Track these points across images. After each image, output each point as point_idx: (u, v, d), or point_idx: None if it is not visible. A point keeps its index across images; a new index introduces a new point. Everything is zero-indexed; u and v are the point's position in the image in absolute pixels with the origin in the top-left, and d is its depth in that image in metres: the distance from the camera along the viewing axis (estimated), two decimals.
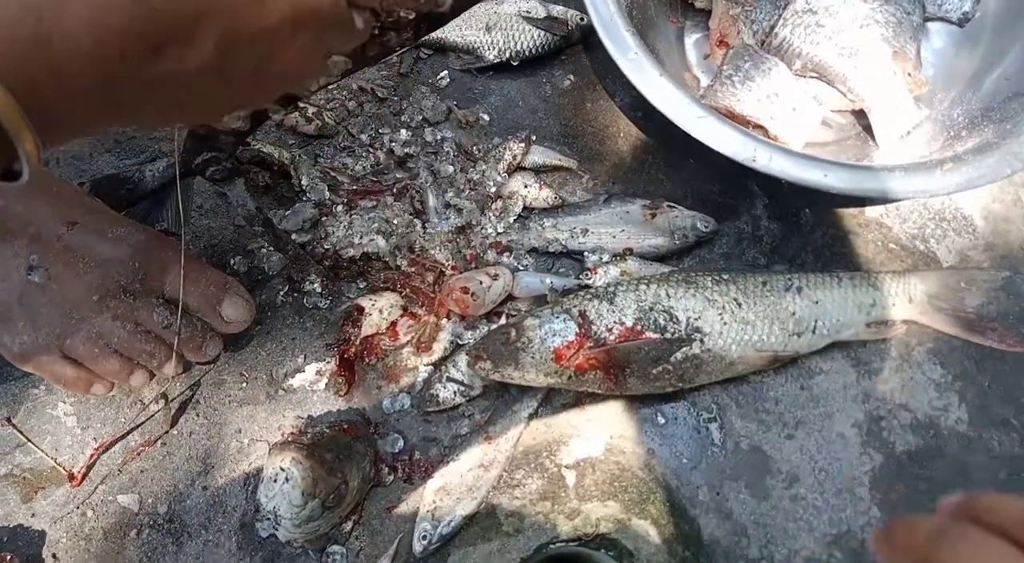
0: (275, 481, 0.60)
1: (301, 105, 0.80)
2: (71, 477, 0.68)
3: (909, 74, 0.82)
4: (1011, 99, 0.75)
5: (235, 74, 0.41)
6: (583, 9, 0.75)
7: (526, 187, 0.80)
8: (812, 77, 0.82)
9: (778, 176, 0.67)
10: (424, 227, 0.76)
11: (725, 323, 0.68)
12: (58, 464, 0.69)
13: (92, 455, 0.69)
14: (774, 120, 0.77)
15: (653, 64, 0.69)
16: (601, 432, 0.71)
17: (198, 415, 0.71)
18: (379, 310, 0.71)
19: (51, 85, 0.34)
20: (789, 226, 0.80)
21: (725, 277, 0.71)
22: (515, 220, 0.78)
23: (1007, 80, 0.78)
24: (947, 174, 0.67)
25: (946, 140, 0.77)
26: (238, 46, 0.39)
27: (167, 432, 0.70)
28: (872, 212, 0.82)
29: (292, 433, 0.69)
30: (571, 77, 0.89)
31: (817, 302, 0.71)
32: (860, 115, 0.84)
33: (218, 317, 0.67)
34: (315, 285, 0.74)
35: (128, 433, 0.69)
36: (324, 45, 0.45)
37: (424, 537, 0.65)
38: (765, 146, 0.67)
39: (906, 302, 0.73)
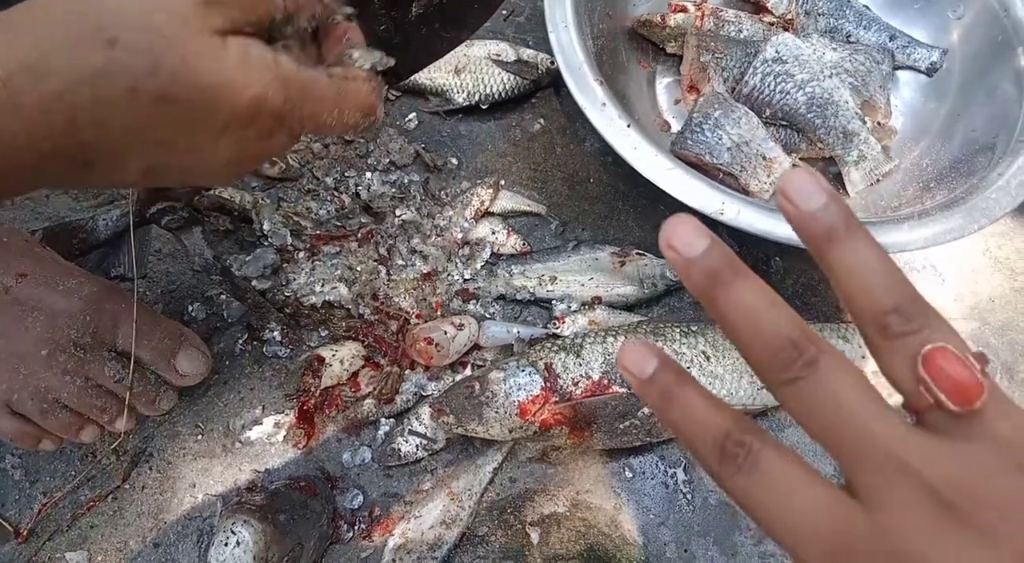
0: (226, 545, 0.58)
1: None
2: (17, 533, 0.65)
3: (879, 123, 0.82)
4: (978, 152, 0.75)
5: (166, 179, 0.42)
6: (553, 53, 0.74)
7: (494, 233, 0.79)
8: (782, 125, 0.82)
9: (746, 230, 0.66)
10: (388, 274, 0.75)
11: (693, 377, 0.67)
12: (3, 519, 0.66)
13: (39, 510, 0.66)
14: (744, 169, 0.77)
15: (622, 115, 0.69)
16: (567, 487, 0.69)
17: (151, 468, 0.68)
18: (340, 360, 0.70)
19: None
20: (759, 275, 0.79)
21: (693, 328, 0.70)
22: (482, 267, 0.77)
23: (974, 132, 0.78)
24: (914, 230, 0.67)
25: (916, 191, 0.77)
26: (167, 170, 0.40)
27: (119, 486, 0.67)
28: None
29: (248, 488, 0.67)
30: (541, 121, 0.88)
31: None
32: (830, 162, 0.84)
33: (172, 370, 0.65)
34: (275, 333, 0.72)
35: (77, 487, 0.67)
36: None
37: None
38: (733, 199, 0.67)
39: None
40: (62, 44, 0.34)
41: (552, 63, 0.86)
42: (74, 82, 0.34)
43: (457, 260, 0.77)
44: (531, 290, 0.76)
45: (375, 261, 0.75)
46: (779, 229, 0.66)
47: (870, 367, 0.71)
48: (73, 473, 0.68)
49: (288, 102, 0.39)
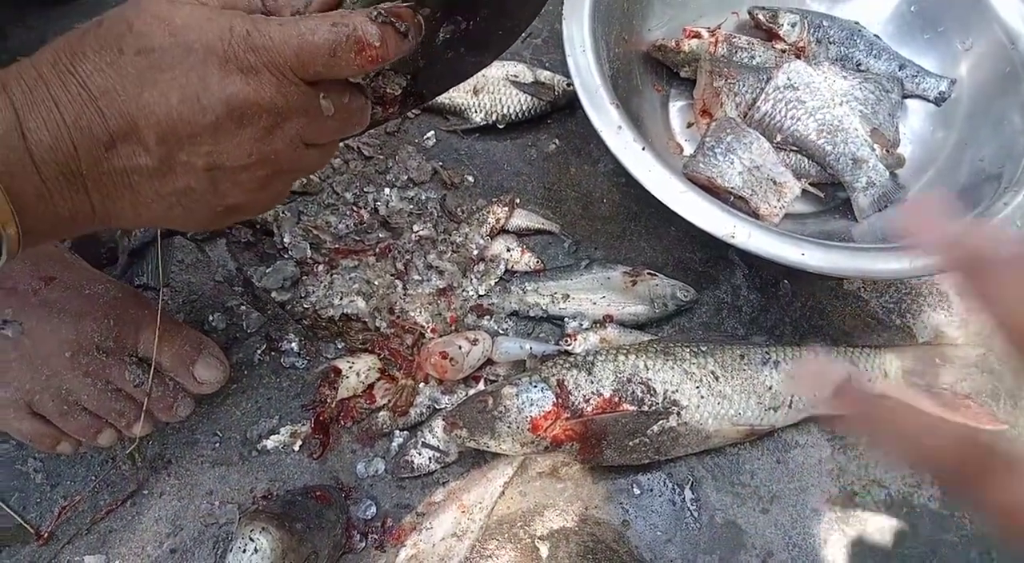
0: (244, 551, 0.59)
1: None
2: (38, 536, 0.67)
3: (887, 151, 0.84)
4: (984, 182, 0.76)
5: (190, 170, 0.43)
6: (570, 75, 0.76)
7: (508, 250, 0.80)
8: (793, 150, 0.83)
9: (756, 253, 0.68)
10: (405, 288, 0.77)
11: (702, 396, 0.69)
12: (25, 522, 0.67)
13: (60, 513, 0.68)
14: (754, 192, 0.79)
15: (637, 138, 0.70)
16: (576, 502, 0.70)
17: (169, 475, 0.70)
18: (356, 373, 0.71)
19: (24, 172, 0.38)
20: (768, 297, 0.81)
21: (703, 349, 0.71)
22: (496, 283, 0.79)
23: (981, 161, 0.80)
24: (921, 258, 0.68)
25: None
26: (180, 143, 0.42)
27: (136, 491, 0.69)
28: (850, 285, 0.83)
29: (264, 496, 0.68)
30: (556, 141, 0.90)
31: (794, 376, 0.71)
32: (839, 187, 0.85)
33: (191, 377, 0.66)
34: (293, 344, 0.74)
35: (97, 492, 0.68)
36: (285, 135, 0.46)
37: None
38: (744, 223, 0.68)
39: (881, 377, 0.74)
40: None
41: (568, 85, 0.88)
42: (70, 54, 0.40)
43: (472, 276, 0.78)
44: (544, 307, 0.78)
45: (392, 275, 0.77)
46: (788, 253, 0.68)
47: (874, 390, 0.72)
48: (93, 477, 0.69)
49: (254, 34, 0.41)
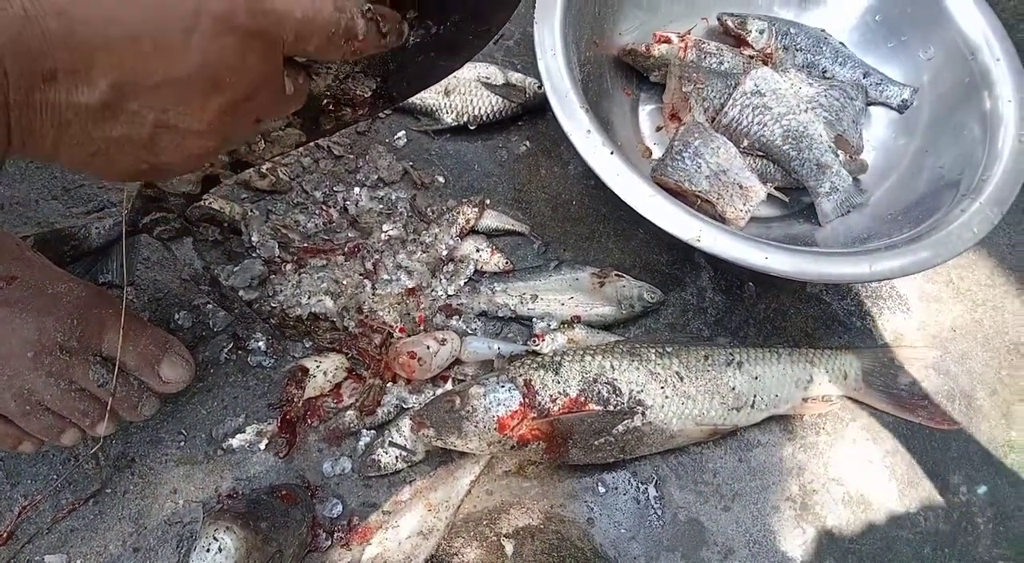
0: (208, 551, 0.59)
1: None
2: None
3: (851, 157, 0.85)
4: (944, 188, 0.78)
5: (136, 121, 0.40)
6: (541, 78, 0.76)
7: (478, 251, 0.81)
8: (759, 155, 0.85)
9: (721, 257, 0.69)
10: (373, 288, 0.77)
11: (667, 397, 0.70)
12: None
13: (20, 512, 0.67)
14: (721, 196, 0.80)
15: (606, 142, 0.71)
16: (542, 500, 0.71)
17: (133, 474, 0.69)
18: (324, 372, 0.71)
19: None
20: (733, 299, 0.83)
21: (668, 350, 0.72)
22: (465, 283, 0.79)
23: (941, 168, 0.82)
24: (883, 261, 0.70)
25: (884, 223, 0.80)
26: (136, 91, 0.38)
27: (99, 491, 0.68)
28: (812, 288, 0.84)
29: (229, 495, 0.68)
30: (527, 143, 0.90)
31: (756, 377, 0.73)
32: (804, 192, 0.87)
33: (156, 377, 0.65)
34: (260, 343, 0.74)
35: (58, 491, 0.68)
36: (248, 109, 0.43)
37: None
38: (710, 227, 0.69)
39: (841, 378, 0.76)
40: None
41: (539, 87, 0.88)
42: None
43: (441, 276, 0.79)
44: (512, 307, 0.79)
45: (361, 275, 0.77)
46: (752, 256, 0.69)
47: (835, 391, 0.74)
48: (55, 476, 0.68)
49: None
